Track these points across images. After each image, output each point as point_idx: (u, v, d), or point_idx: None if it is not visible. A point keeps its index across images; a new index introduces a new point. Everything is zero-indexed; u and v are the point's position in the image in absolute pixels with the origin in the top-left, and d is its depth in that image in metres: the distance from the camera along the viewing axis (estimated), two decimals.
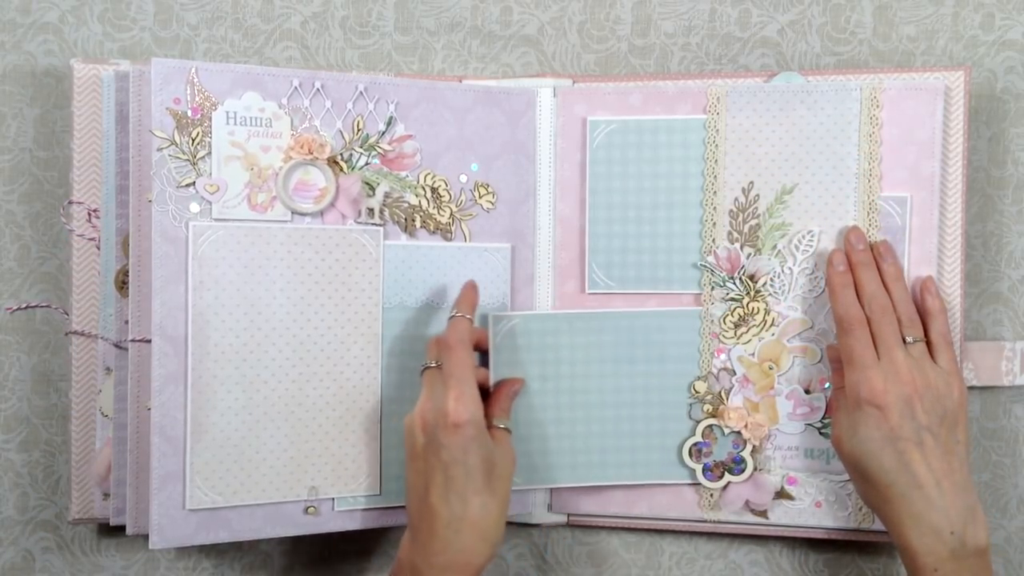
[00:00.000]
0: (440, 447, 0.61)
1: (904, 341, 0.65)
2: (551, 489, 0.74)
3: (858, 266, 0.67)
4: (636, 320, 0.72)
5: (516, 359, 0.71)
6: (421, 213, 0.70)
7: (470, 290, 0.68)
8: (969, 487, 0.63)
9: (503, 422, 0.66)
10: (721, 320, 0.71)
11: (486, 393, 0.68)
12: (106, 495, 0.70)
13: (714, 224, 0.71)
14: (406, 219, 0.70)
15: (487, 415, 0.64)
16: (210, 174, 0.65)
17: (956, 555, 0.61)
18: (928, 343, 0.66)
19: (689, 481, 0.72)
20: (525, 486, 0.72)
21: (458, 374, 0.63)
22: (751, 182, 0.71)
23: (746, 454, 0.71)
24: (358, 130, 0.69)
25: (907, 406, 0.63)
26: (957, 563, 0.61)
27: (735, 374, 0.71)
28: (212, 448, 0.65)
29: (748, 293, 0.71)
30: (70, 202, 0.71)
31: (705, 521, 0.72)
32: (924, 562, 0.61)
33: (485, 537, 0.61)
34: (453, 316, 0.66)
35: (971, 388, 0.73)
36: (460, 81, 0.73)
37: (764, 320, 0.71)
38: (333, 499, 0.68)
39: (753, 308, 0.71)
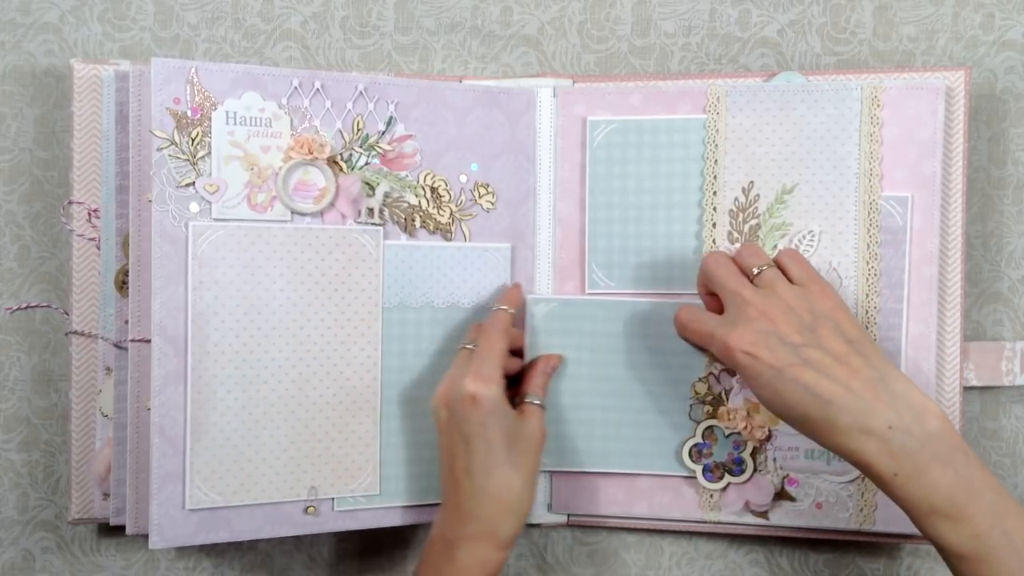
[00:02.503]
0: (461, 421, 0.63)
1: (750, 278, 0.63)
2: (551, 489, 0.74)
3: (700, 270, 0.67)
4: (651, 310, 0.71)
5: (551, 343, 0.71)
6: (421, 213, 0.70)
7: (516, 288, 0.71)
8: (890, 377, 0.58)
9: (536, 398, 0.67)
10: None
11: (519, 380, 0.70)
12: (106, 495, 0.70)
13: (714, 224, 0.71)
14: (406, 219, 0.70)
15: (521, 391, 0.67)
16: (210, 174, 0.65)
17: (908, 449, 0.55)
18: (779, 267, 0.64)
19: (685, 474, 0.72)
20: (554, 467, 0.72)
21: (484, 354, 0.64)
22: (751, 182, 0.71)
23: (746, 455, 0.71)
24: (358, 130, 0.69)
25: (771, 336, 0.59)
26: (913, 457, 0.55)
27: (735, 375, 0.71)
28: (212, 448, 0.65)
29: None
30: (70, 202, 0.71)
31: (705, 522, 0.72)
32: (880, 470, 0.56)
33: (509, 509, 0.62)
34: (496, 308, 0.69)
35: (971, 388, 0.73)
36: (460, 81, 0.73)
37: None
38: (333, 499, 0.68)
39: None
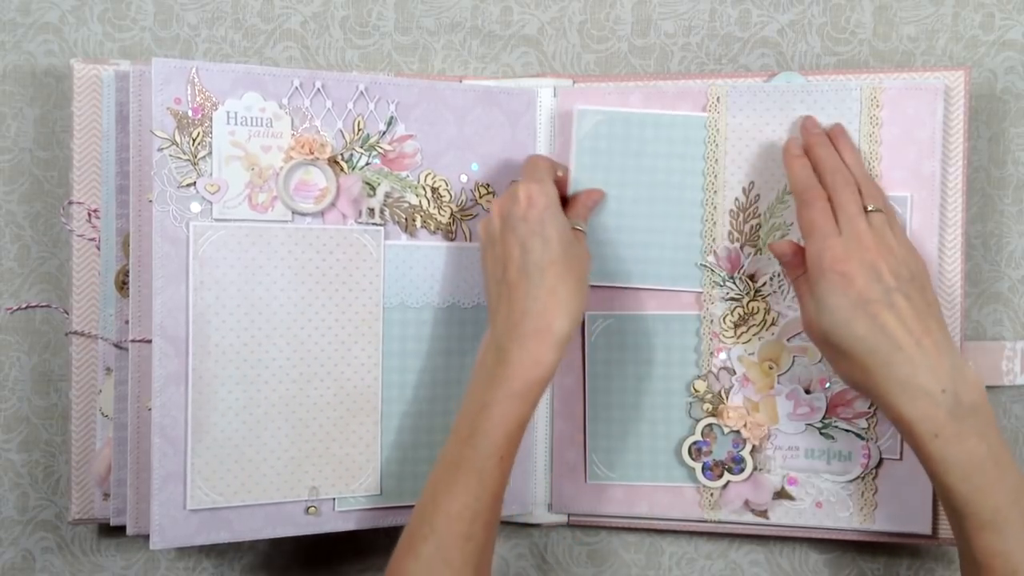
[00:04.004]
0: (517, 224, 0.63)
1: (866, 210, 0.63)
2: (551, 489, 0.74)
3: (816, 146, 0.66)
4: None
5: (596, 162, 0.73)
6: (422, 213, 0.70)
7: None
8: (952, 348, 0.59)
9: (580, 225, 0.67)
10: (721, 320, 0.71)
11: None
12: (106, 495, 0.70)
13: (714, 224, 0.71)
14: (407, 219, 0.70)
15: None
16: (211, 174, 0.65)
17: (954, 415, 0.57)
18: None
19: (689, 483, 0.72)
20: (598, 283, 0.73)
21: (533, 167, 0.66)
22: (752, 182, 0.71)
23: (745, 453, 0.71)
24: (359, 130, 0.69)
25: (872, 270, 0.60)
26: (957, 424, 0.57)
27: (735, 373, 0.71)
28: (213, 448, 0.65)
29: (748, 293, 0.71)
30: (70, 202, 0.71)
31: (705, 521, 0.72)
32: (922, 429, 0.57)
33: (562, 305, 0.61)
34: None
35: None
36: (460, 81, 0.73)
37: (764, 320, 0.71)
38: (334, 499, 0.68)
39: (753, 308, 0.71)
